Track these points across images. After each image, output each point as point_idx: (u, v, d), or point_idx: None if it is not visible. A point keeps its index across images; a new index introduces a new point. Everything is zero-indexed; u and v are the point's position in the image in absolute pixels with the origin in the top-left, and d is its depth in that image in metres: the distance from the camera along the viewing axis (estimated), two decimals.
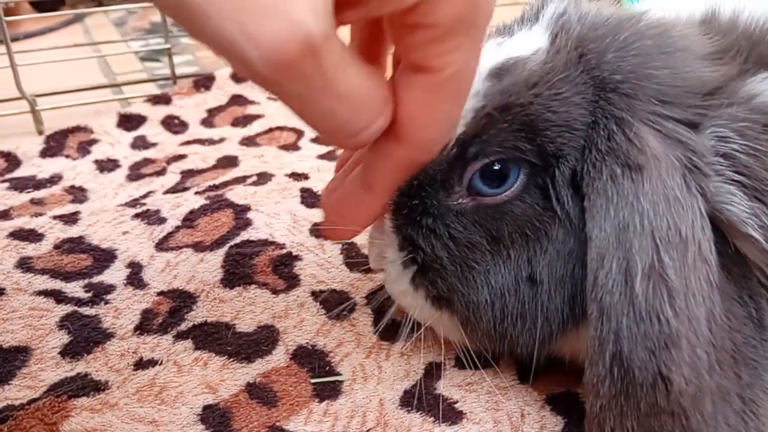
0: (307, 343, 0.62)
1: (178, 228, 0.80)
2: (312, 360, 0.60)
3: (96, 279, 0.72)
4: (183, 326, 0.65)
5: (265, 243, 0.77)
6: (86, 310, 0.67)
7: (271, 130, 1.12)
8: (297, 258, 0.75)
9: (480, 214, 0.50)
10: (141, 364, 0.60)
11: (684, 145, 0.46)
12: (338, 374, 0.59)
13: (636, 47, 0.48)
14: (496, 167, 0.49)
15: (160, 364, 0.60)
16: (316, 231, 0.80)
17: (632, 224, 0.44)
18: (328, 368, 0.60)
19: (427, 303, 0.54)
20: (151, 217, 0.82)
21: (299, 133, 1.11)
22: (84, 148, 1.07)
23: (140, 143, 1.09)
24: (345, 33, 0.48)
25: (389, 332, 0.62)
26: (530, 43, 0.51)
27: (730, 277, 0.46)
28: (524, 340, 0.51)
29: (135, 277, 0.72)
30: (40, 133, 1.17)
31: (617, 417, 0.44)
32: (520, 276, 0.49)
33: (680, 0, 0.61)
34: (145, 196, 0.91)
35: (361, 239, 0.72)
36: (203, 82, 1.27)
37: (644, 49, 0.48)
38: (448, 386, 0.58)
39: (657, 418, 0.43)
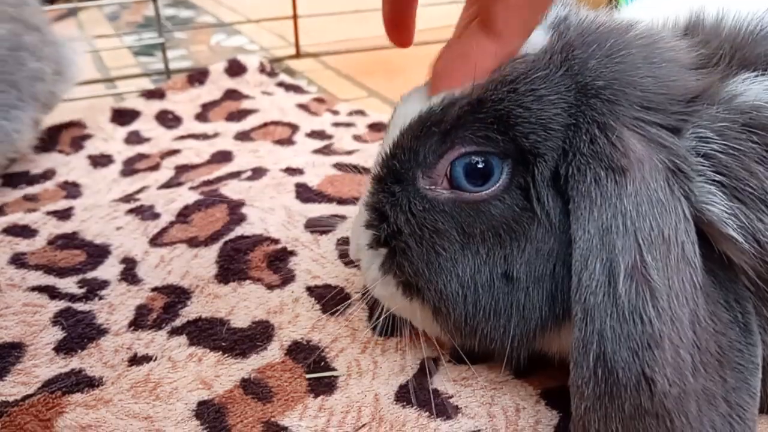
0: (302, 338, 0.62)
1: (172, 223, 0.80)
2: (307, 355, 0.60)
3: (90, 275, 0.72)
4: (177, 322, 0.64)
5: (260, 238, 0.76)
6: (80, 306, 0.66)
7: (265, 124, 1.12)
8: (292, 253, 0.75)
9: (454, 207, 0.50)
10: (135, 360, 0.60)
11: (668, 149, 0.46)
12: (333, 370, 0.59)
13: (621, 55, 0.48)
14: (479, 165, 0.49)
15: (155, 360, 0.60)
16: (311, 226, 0.80)
17: (615, 225, 0.44)
18: (323, 363, 0.60)
19: (398, 291, 0.54)
20: (145, 213, 0.82)
21: (294, 128, 1.10)
22: (77, 144, 1.06)
23: (134, 138, 1.09)
24: None
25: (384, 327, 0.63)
26: (526, 44, 0.51)
27: (715, 280, 0.46)
28: (498, 337, 0.51)
29: (129, 273, 0.72)
30: None
31: (602, 419, 0.44)
32: (495, 273, 0.50)
33: (667, 2, 0.62)
34: (139, 191, 0.91)
35: None
36: (197, 76, 1.26)
37: (629, 58, 0.48)
38: (443, 381, 0.58)
39: (642, 420, 0.43)
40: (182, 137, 1.09)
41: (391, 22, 0.57)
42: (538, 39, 0.51)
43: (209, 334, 0.63)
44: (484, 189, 0.49)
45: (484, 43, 0.48)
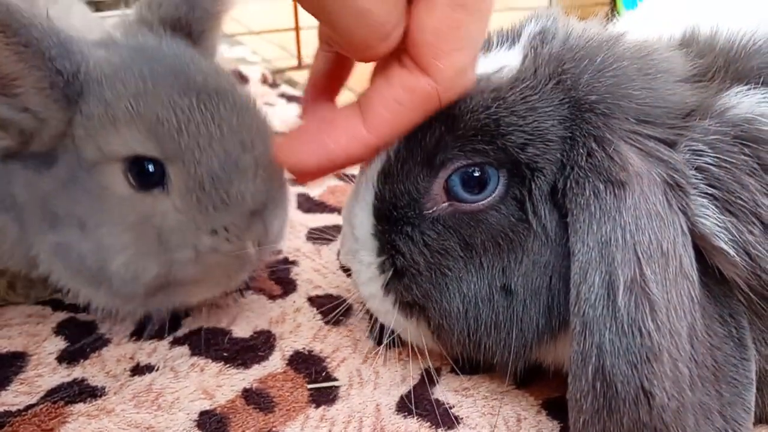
0: (303, 348, 0.63)
1: None
2: (308, 365, 0.60)
3: None
4: (179, 332, 0.65)
5: None
6: (83, 316, 0.67)
7: None
8: (293, 263, 0.75)
9: (455, 220, 0.50)
10: (138, 370, 0.60)
11: (665, 163, 0.46)
12: (335, 380, 0.59)
13: (614, 69, 0.48)
14: (476, 174, 0.49)
15: (157, 369, 0.60)
16: (313, 236, 0.80)
17: (614, 238, 0.44)
18: (324, 374, 0.60)
19: (394, 309, 0.54)
20: None
21: None
22: None
23: None
24: None
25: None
26: (501, 62, 0.51)
27: (711, 295, 0.47)
28: (498, 350, 0.51)
29: None
30: None
31: None
32: (494, 286, 0.50)
33: (664, 13, 0.62)
34: None
35: None
36: None
37: (622, 71, 0.48)
38: (444, 391, 0.58)
39: None
40: None
41: (313, 90, 0.54)
42: (514, 56, 0.51)
43: (211, 344, 0.63)
44: (481, 199, 0.50)
45: (356, 126, 0.45)
